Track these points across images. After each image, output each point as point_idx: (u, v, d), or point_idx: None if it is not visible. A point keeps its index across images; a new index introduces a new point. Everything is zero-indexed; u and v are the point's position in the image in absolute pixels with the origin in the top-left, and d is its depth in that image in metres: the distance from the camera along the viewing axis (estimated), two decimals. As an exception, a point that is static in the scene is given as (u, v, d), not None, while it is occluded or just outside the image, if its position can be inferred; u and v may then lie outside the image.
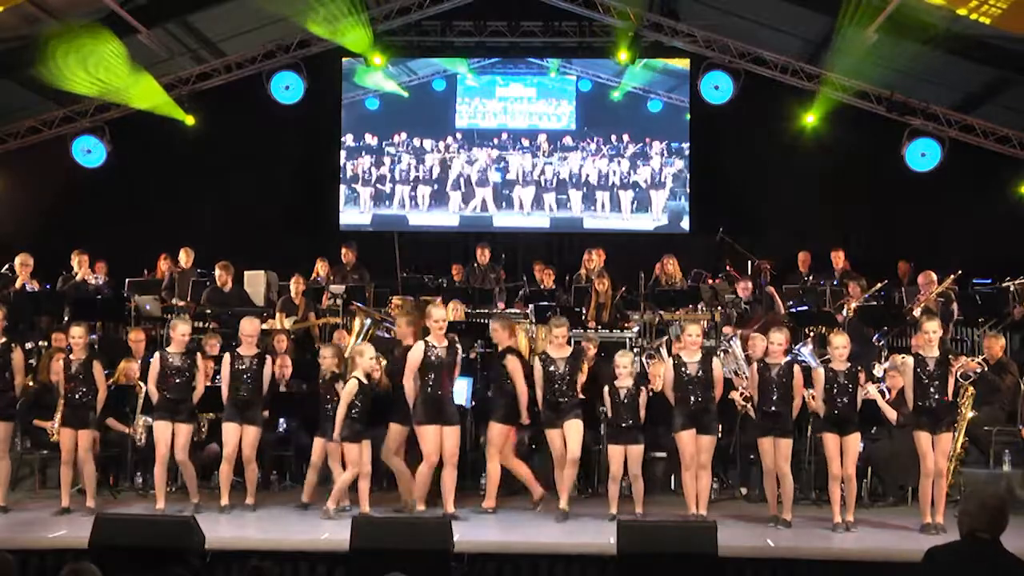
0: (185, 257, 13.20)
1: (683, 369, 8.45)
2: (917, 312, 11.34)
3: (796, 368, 8.52)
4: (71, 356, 8.80)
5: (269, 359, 8.96)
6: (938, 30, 12.50)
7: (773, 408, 8.37)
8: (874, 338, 11.18)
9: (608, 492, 8.60)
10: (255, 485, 8.80)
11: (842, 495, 8.28)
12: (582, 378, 8.81)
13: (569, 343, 8.85)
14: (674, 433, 8.51)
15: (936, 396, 8.12)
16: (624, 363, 8.60)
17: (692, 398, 8.38)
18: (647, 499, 8.73)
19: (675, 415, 8.47)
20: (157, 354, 8.94)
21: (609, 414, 8.64)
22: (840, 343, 8.38)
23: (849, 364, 8.35)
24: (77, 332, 8.83)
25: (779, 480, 8.38)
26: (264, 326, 11.83)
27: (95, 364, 8.79)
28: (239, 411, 8.70)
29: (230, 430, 8.69)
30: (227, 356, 8.89)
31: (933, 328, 8.23)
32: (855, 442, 8.31)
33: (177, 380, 8.67)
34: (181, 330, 8.84)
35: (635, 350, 11.73)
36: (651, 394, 8.82)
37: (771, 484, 8.44)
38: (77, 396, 8.68)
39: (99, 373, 8.79)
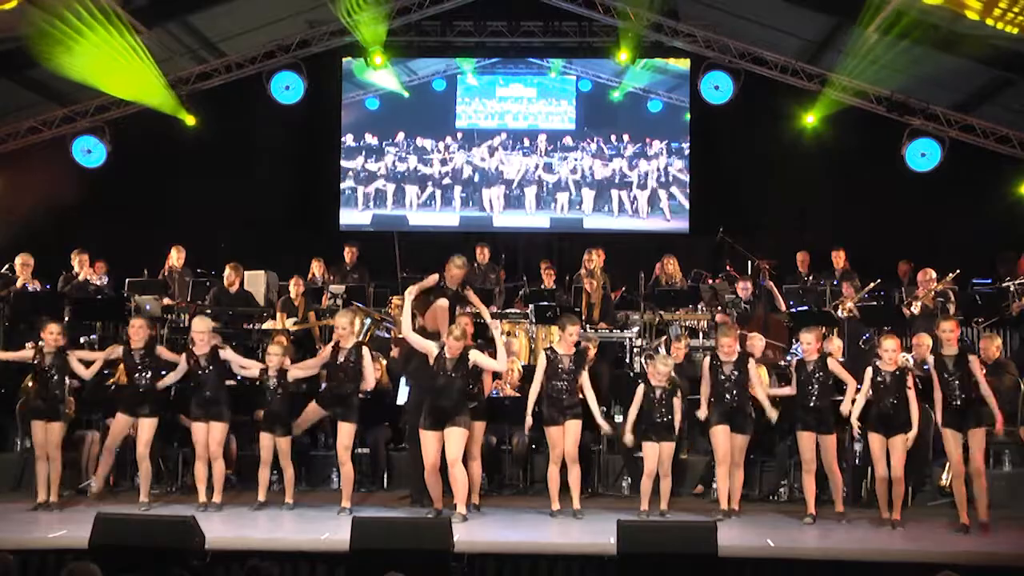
0: (176, 255, 13.20)
1: (719, 368, 8.67)
2: (915, 309, 11.36)
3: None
4: (43, 351, 8.93)
5: (224, 350, 9.02)
6: (938, 30, 12.50)
7: (814, 404, 8.50)
8: (863, 338, 11.18)
9: (641, 489, 8.69)
10: (222, 483, 8.88)
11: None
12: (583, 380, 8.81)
13: (577, 345, 8.87)
14: (709, 428, 8.71)
15: (960, 393, 8.20)
16: (659, 368, 8.74)
17: (727, 397, 8.59)
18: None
19: (710, 412, 8.69)
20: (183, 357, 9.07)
21: (632, 412, 8.73)
22: (890, 346, 8.43)
23: (898, 365, 8.45)
24: (55, 328, 8.96)
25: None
26: (265, 326, 11.91)
27: (69, 355, 8.95)
28: (204, 409, 8.81)
29: (198, 429, 8.81)
30: (182, 358, 8.99)
31: (949, 327, 8.37)
32: (902, 443, 8.31)
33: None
34: (134, 324, 9.05)
35: (634, 350, 11.78)
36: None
37: (810, 482, 8.57)
38: (49, 389, 8.85)
39: (75, 364, 8.96)
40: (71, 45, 12.71)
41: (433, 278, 9.20)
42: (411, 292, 8.88)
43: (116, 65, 13.49)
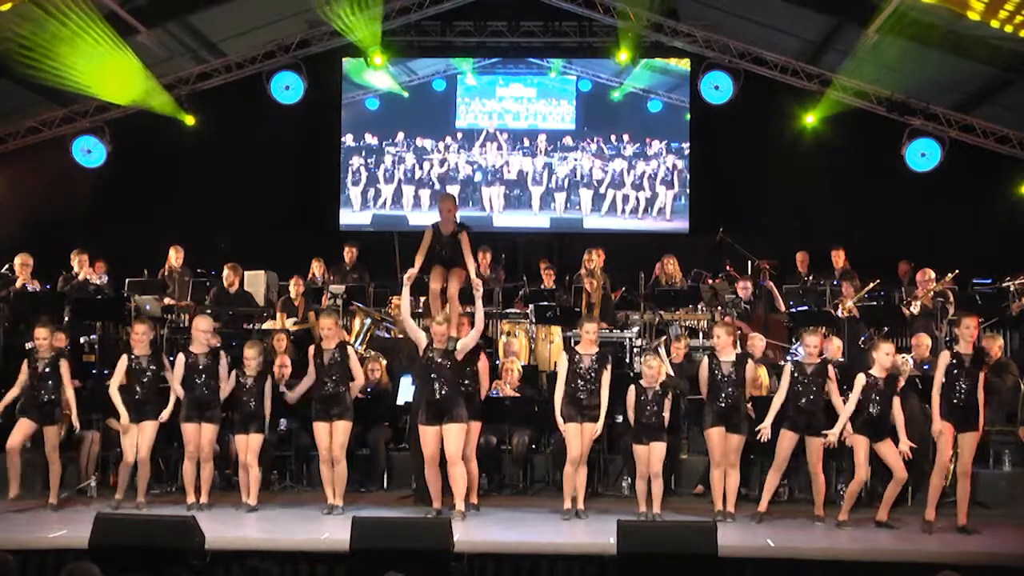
0: (175, 255, 13.20)
1: (717, 368, 8.61)
2: (914, 309, 11.35)
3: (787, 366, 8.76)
4: (36, 356, 8.93)
5: (223, 355, 8.97)
6: (938, 30, 12.50)
7: (805, 405, 8.46)
8: (862, 338, 11.20)
9: (636, 491, 8.68)
10: (210, 484, 8.90)
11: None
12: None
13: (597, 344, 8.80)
14: (704, 430, 8.68)
15: (964, 392, 8.17)
16: (651, 366, 8.65)
17: (723, 396, 8.54)
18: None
19: (705, 413, 8.65)
20: (180, 355, 9.02)
21: (631, 414, 8.68)
22: (887, 350, 8.43)
23: (891, 370, 8.44)
24: (42, 334, 8.95)
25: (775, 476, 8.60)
26: (265, 326, 11.92)
27: (61, 363, 8.94)
28: (198, 411, 8.78)
29: (189, 429, 8.78)
30: (180, 356, 8.97)
31: (973, 324, 8.35)
32: (892, 447, 8.31)
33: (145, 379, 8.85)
34: (138, 329, 8.96)
35: (634, 350, 11.78)
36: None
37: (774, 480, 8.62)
38: (43, 393, 8.85)
39: (65, 371, 8.94)
40: (61, 51, 12.73)
41: (426, 237, 9.20)
42: (409, 277, 8.83)
43: (109, 71, 13.52)
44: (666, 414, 8.63)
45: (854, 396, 8.37)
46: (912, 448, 8.37)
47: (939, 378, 8.27)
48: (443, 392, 8.42)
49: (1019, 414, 9.71)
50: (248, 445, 8.80)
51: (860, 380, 8.37)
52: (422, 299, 10.38)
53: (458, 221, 9.26)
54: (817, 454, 8.47)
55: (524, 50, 15.92)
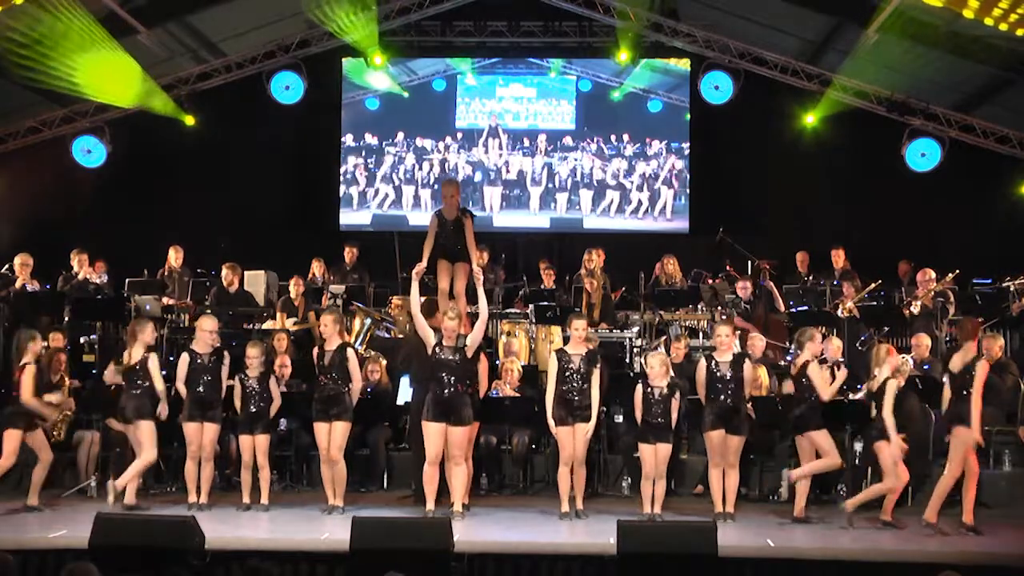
0: (175, 255, 13.19)
1: (715, 368, 8.57)
2: (914, 309, 11.36)
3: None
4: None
5: (227, 355, 8.96)
6: (938, 30, 12.51)
7: (811, 403, 8.48)
8: (862, 338, 11.19)
9: (641, 491, 8.64)
10: (211, 484, 8.90)
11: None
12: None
13: (587, 341, 8.76)
14: (704, 432, 8.65)
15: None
16: (655, 364, 8.59)
17: (723, 397, 8.50)
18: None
19: (705, 414, 8.61)
20: (184, 355, 8.99)
21: (638, 413, 8.64)
22: (885, 352, 8.47)
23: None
24: (27, 337, 8.94)
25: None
26: (265, 326, 11.92)
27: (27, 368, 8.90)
28: (200, 411, 8.76)
29: (191, 429, 8.75)
30: (184, 355, 8.95)
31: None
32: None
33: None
34: (142, 329, 8.92)
35: (634, 350, 11.78)
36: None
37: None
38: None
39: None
40: (60, 53, 12.72)
41: (431, 225, 9.19)
42: (418, 272, 8.79)
43: (107, 73, 13.52)
44: (674, 414, 8.59)
45: (888, 401, 8.29)
46: (910, 448, 8.37)
47: (979, 386, 8.11)
48: (451, 390, 8.37)
49: (1019, 414, 9.72)
50: (256, 445, 8.80)
51: (892, 386, 8.31)
52: (422, 299, 10.35)
53: (461, 206, 9.26)
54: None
55: (524, 50, 15.91)
